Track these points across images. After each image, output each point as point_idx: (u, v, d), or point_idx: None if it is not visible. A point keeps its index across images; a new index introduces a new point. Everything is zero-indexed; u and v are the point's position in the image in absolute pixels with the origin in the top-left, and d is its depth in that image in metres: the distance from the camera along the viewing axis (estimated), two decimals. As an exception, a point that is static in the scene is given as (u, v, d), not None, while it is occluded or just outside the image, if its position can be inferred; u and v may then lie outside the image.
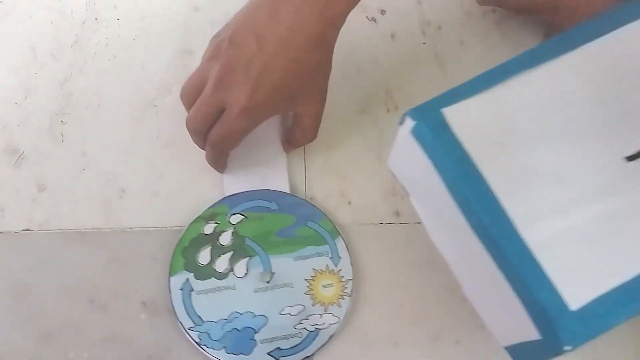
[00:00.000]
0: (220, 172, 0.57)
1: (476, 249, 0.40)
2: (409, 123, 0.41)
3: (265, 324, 0.52)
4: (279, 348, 0.52)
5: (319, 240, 0.55)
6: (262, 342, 0.52)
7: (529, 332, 0.39)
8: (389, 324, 0.54)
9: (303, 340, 0.52)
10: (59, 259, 0.55)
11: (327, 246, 0.54)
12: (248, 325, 0.52)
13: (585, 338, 0.37)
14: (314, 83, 0.53)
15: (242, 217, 0.55)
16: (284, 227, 0.55)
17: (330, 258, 0.54)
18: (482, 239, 0.39)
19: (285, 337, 0.52)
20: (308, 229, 0.55)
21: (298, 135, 0.56)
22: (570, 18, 0.57)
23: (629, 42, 0.42)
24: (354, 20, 0.62)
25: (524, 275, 0.38)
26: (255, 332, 0.52)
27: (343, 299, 0.53)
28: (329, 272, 0.54)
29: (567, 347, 0.37)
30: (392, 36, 0.62)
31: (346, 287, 0.53)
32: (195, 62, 0.61)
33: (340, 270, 0.54)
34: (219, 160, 0.56)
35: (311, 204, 0.56)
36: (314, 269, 0.54)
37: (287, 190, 0.56)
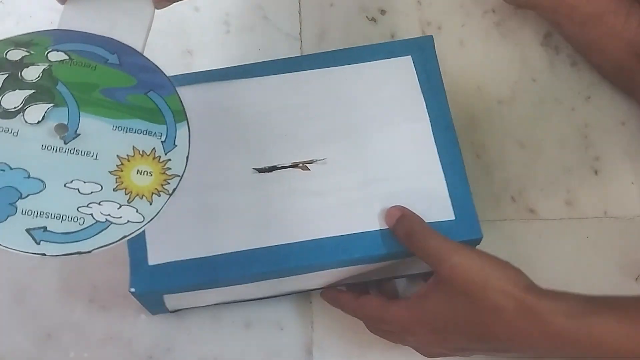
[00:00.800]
0: (59, 2, 0.46)
1: None
2: None
3: (38, 192, 0.40)
4: (45, 228, 0.39)
5: (156, 117, 0.42)
6: (25, 213, 0.39)
7: None
8: (389, 324, 0.54)
9: (82, 229, 0.39)
10: (59, 259, 0.55)
11: (163, 127, 0.42)
12: (14, 186, 0.40)
13: (149, 287, 0.47)
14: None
15: (66, 57, 0.43)
16: (116, 86, 0.43)
17: (163, 142, 0.42)
18: None
19: (59, 218, 0.39)
20: (147, 99, 0.43)
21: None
22: (570, 17, 0.57)
23: (323, 81, 0.52)
24: (354, 20, 0.62)
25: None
26: (21, 198, 0.39)
27: (159, 195, 0.41)
28: (153, 158, 0.42)
29: (132, 290, 0.47)
30: (392, 36, 0.62)
31: (168, 183, 0.41)
32: (196, 62, 0.61)
33: (170, 161, 0.42)
34: None
35: (165, 74, 0.44)
36: (134, 147, 0.42)
37: (140, 49, 0.45)
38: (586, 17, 0.56)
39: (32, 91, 0.42)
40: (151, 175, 0.41)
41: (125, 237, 0.39)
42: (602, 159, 0.58)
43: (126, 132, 0.42)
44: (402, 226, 0.47)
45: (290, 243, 0.47)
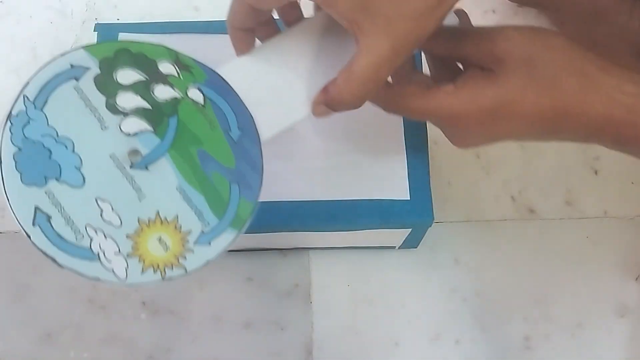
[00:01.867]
0: (237, 51, 0.44)
1: None
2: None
3: (73, 186, 0.39)
4: (49, 218, 0.38)
5: (218, 207, 0.40)
6: (48, 193, 0.38)
7: None
8: (389, 324, 0.54)
9: (72, 244, 0.38)
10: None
11: (216, 221, 0.39)
12: (61, 165, 0.39)
13: None
14: (405, 3, 0.37)
15: (201, 103, 0.41)
16: (215, 157, 0.40)
17: (202, 232, 0.39)
18: None
19: (67, 220, 0.38)
20: (227, 188, 0.40)
21: (339, 81, 0.40)
22: (572, 15, 0.56)
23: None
24: (354, 20, 0.62)
25: None
26: (57, 179, 0.38)
27: (154, 272, 0.38)
28: (181, 239, 0.39)
29: None
30: (392, 36, 0.62)
31: (171, 269, 0.38)
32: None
33: (191, 252, 0.39)
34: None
35: (260, 183, 0.41)
36: (177, 216, 0.39)
37: (265, 138, 0.41)
38: (588, 15, 0.56)
39: (149, 107, 0.40)
40: (166, 251, 0.39)
41: (96, 278, 0.38)
42: (602, 159, 0.58)
43: (183, 199, 0.40)
44: (441, 35, 0.42)
45: None
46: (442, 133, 0.43)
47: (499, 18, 0.62)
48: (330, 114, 0.42)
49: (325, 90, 0.41)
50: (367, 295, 0.55)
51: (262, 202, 0.47)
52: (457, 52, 0.42)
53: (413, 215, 0.49)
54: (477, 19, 0.62)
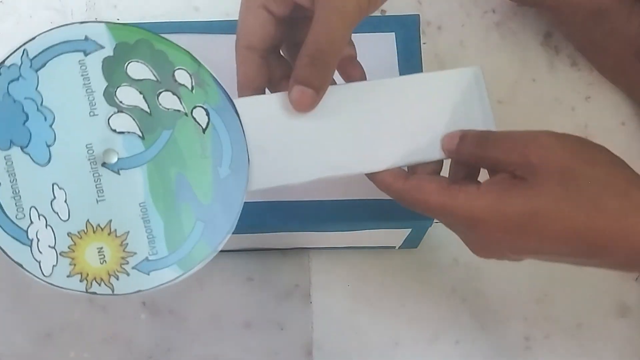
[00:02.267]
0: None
1: None
2: None
3: (35, 162, 0.36)
4: None
5: (175, 239, 0.37)
6: (5, 158, 0.35)
7: None
8: (389, 324, 0.54)
9: (10, 222, 0.35)
10: None
11: (165, 252, 0.36)
12: (32, 134, 0.36)
13: None
14: None
15: (204, 127, 0.38)
16: (192, 187, 0.37)
17: (146, 258, 0.36)
18: None
19: (14, 194, 0.35)
20: (191, 223, 0.37)
21: (302, 50, 0.39)
22: (571, 14, 0.56)
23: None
24: (354, 20, 0.62)
25: None
26: (22, 149, 0.36)
27: (80, 280, 0.35)
28: (121, 257, 0.36)
29: None
30: (392, 36, 0.62)
31: (98, 285, 0.35)
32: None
33: (126, 275, 0.36)
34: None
35: (227, 234, 0.38)
36: (128, 233, 0.36)
37: (260, 185, 0.39)
38: (588, 15, 0.56)
39: (147, 110, 0.37)
40: (101, 264, 0.36)
41: (19, 264, 0.35)
42: (602, 159, 0.58)
43: (142, 217, 0.36)
44: (469, 139, 0.40)
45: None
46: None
47: (498, 18, 0.62)
48: (308, 100, 0.39)
49: (295, 65, 0.39)
50: (367, 295, 0.55)
51: (262, 202, 0.47)
52: (487, 157, 0.39)
53: (413, 215, 0.49)
54: (477, 19, 0.62)
